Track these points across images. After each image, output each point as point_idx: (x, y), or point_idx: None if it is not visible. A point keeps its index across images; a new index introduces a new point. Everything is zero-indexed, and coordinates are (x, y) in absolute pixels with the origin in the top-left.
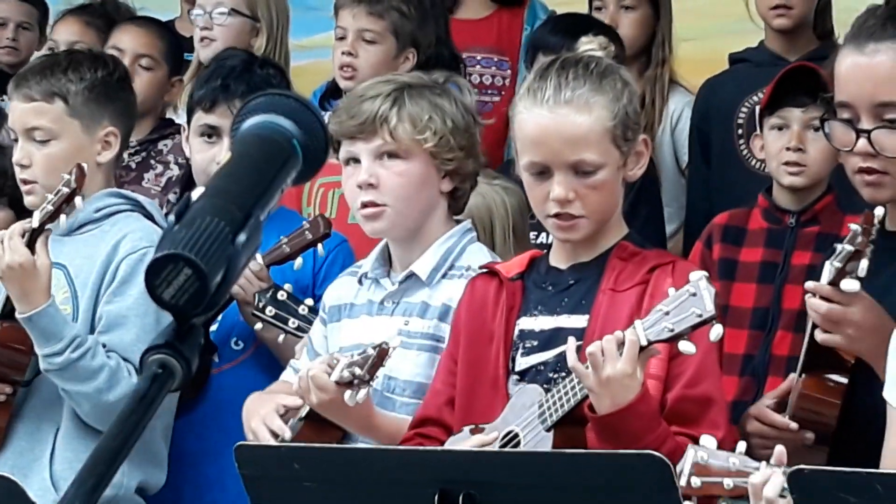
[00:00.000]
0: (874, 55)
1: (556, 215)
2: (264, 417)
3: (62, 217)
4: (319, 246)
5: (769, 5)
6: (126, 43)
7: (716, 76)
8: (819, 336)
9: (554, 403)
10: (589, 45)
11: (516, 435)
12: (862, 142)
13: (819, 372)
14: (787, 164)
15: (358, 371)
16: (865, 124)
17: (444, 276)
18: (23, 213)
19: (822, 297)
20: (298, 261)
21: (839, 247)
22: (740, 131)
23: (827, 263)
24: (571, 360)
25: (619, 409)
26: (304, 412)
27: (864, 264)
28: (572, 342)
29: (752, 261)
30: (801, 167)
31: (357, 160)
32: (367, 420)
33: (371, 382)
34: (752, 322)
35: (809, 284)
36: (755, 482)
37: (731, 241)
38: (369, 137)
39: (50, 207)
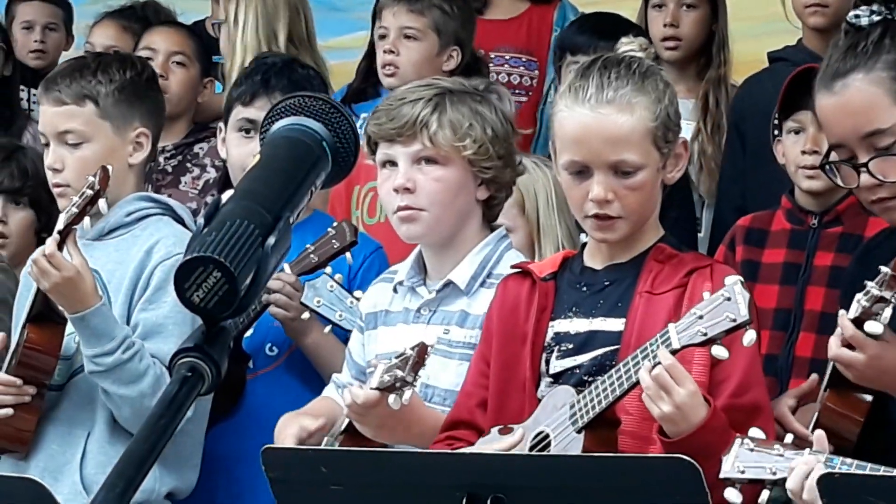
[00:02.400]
0: (843, 91)
1: (595, 215)
2: (283, 443)
3: (86, 219)
4: (348, 254)
5: (804, 3)
6: (159, 43)
7: (755, 74)
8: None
9: (586, 405)
10: (629, 46)
11: (547, 436)
12: (864, 176)
13: (844, 388)
14: (804, 167)
15: (399, 373)
16: (862, 158)
17: (482, 284)
18: (42, 213)
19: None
20: (328, 270)
21: (869, 286)
22: (776, 131)
23: (856, 299)
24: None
25: (696, 430)
26: (342, 425)
27: (887, 312)
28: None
29: (774, 262)
30: (818, 170)
31: (394, 163)
32: (420, 423)
33: (415, 383)
34: (774, 323)
35: (841, 323)
36: (792, 487)
37: (754, 242)
38: (408, 141)
39: (74, 210)
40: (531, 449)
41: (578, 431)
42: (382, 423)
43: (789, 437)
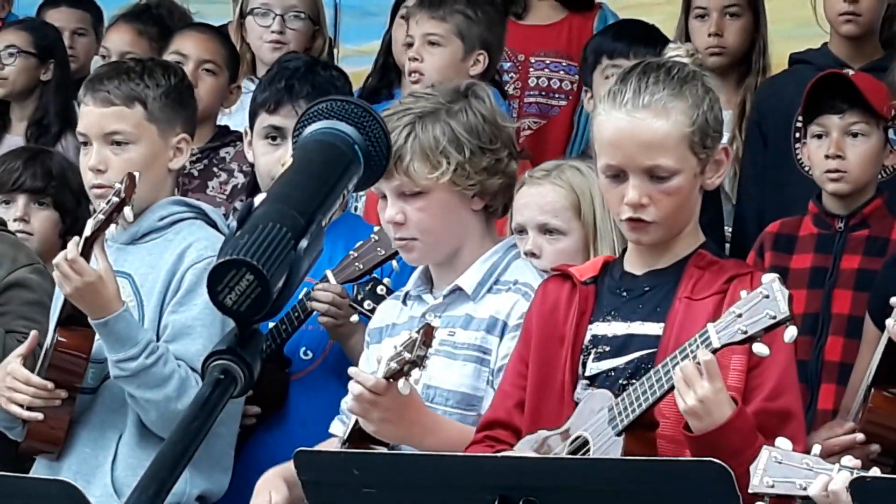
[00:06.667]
0: None
1: (629, 219)
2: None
3: (112, 226)
4: (394, 261)
5: (838, 11)
6: (189, 48)
7: (777, 75)
8: None
9: (625, 408)
10: (676, 52)
11: (586, 441)
12: None
13: (890, 387)
14: (828, 171)
15: (407, 355)
16: None
17: (489, 290)
18: (67, 216)
19: None
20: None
21: None
22: (797, 134)
23: None
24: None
25: (719, 427)
26: (345, 434)
27: None
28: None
29: (802, 267)
30: (841, 173)
31: (386, 196)
32: (421, 421)
33: (423, 363)
34: (802, 327)
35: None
36: (814, 493)
37: (783, 248)
38: (389, 176)
39: (101, 217)
40: (569, 454)
41: (618, 434)
42: (386, 417)
43: (816, 449)
